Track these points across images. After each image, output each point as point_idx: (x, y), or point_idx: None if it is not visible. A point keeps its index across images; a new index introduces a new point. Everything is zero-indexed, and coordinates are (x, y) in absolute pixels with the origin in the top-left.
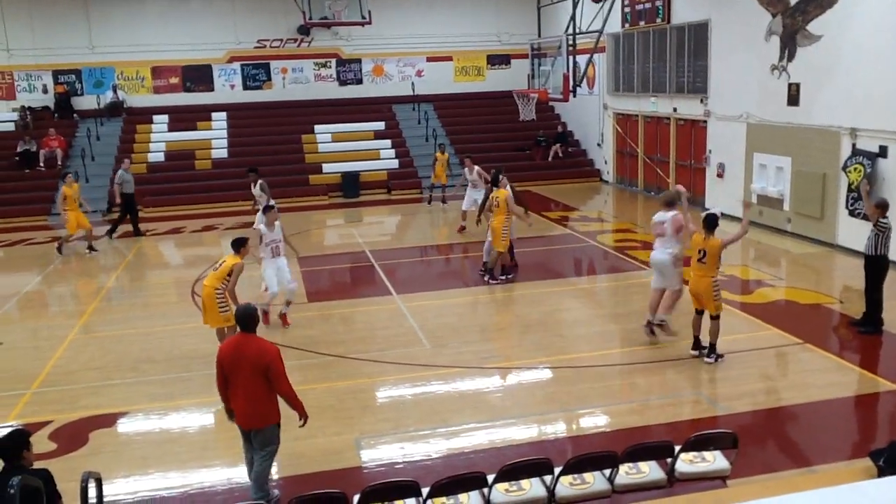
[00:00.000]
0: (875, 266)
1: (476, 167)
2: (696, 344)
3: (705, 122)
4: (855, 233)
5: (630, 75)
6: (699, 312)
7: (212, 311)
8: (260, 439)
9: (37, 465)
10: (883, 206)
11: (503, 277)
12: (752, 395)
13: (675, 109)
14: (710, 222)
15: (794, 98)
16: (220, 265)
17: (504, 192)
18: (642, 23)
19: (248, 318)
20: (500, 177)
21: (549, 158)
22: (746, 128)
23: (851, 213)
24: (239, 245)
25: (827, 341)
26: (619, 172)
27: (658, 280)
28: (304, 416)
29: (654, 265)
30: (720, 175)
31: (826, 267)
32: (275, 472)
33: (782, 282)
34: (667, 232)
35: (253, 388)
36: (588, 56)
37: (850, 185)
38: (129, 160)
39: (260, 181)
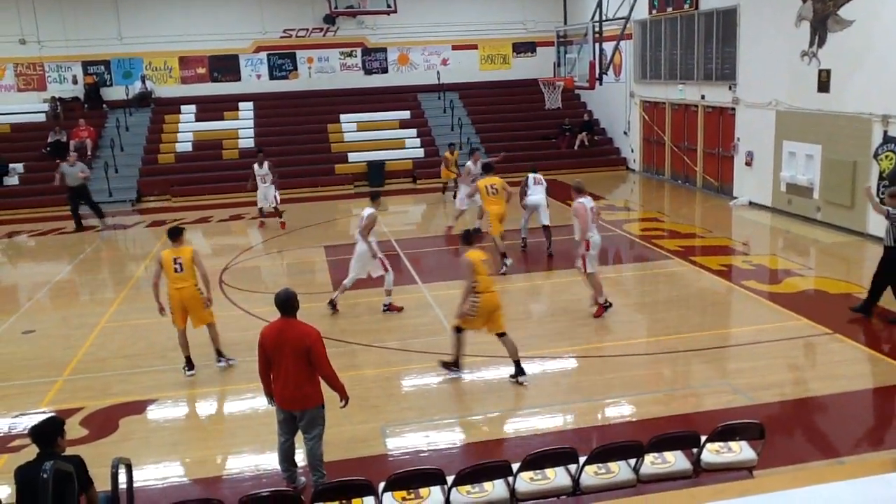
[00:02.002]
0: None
1: (481, 160)
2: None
3: (734, 109)
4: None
5: (657, 62)
6: None
7: (200, 311)
8: (306, 421)
9: (68, 450)
10: None
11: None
12: (780, 386)
13: (703, 97)
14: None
15: (824, 85)
16: (179, 262)
17: (501, 180)
18: (670, 9)
19: (288, 303)
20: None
21: (576, 147)
22: (776, 115)
23: (883, 202)
24: (180, 233)
25: (857, 332)
26: (646, 161)
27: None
28: (345, 397)
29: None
30: (749, 163)
31: (856, 256)
32: (300, 460)
33: (811, 271)
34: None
35: (296, 371)
36: (615, 43)
37: (881, 173)
38: (74, 154)
39: (266, 161)
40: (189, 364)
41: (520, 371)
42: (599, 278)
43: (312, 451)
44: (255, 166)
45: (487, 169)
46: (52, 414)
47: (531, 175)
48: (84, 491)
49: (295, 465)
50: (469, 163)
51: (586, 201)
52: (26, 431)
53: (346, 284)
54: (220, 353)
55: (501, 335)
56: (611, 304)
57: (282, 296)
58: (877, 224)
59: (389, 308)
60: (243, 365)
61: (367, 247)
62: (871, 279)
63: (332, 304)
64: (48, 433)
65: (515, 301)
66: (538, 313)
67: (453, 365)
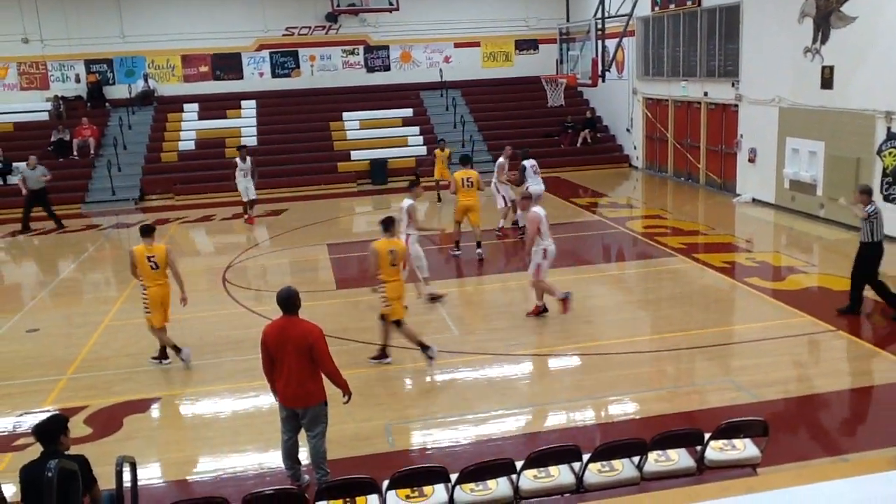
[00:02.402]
0: (871, 253)
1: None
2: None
3: (737, 106)
4: (890, 219)
5: (660, 59)
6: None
7: (167, 310)
8: (309, 418)
9: (72, 449)
10: (868, 192)
11: (458, 252)
12: (784, 383)
13: (705, 94)
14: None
15: (827, 81)
16: (154, 260)
17: (476, 173)
18: (672, 6)
19: (290, 301)
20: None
21: (578, 144)
22: (779, 112)
23: (886, 199)
24: (152, 231)
25: (860, 329)
26: (649, 158)
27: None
28: (348, 393)
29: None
30: (752, 160)
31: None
32: (304, 458)
33: (815, 268)
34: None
35: (298, 368)
36: (617, 40)
37: (884, 169)
38: (34, 157)
39: (249, 156)
40: (165, 355)
41: (426, 347)
42: (546, 286)
43: (316, 449)
44: (238, 160)
45: (465, 161)
46: (54, 411)
47: (528, 163)
48: (88, 490)
49: (299, 462)
50: (501, 159)
51: (540, 211)
52: (30, 430)
53: (425, 275)
54: (176, 349)
55: (397, 324)
56: (547, 311)
57: (283, 294)
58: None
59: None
60: (246, 363)
61: (413, 237)
62: (850, 278)
63: (433, 298)
64: (51, 431)
65: (517, 299)
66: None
67: (381, 356)
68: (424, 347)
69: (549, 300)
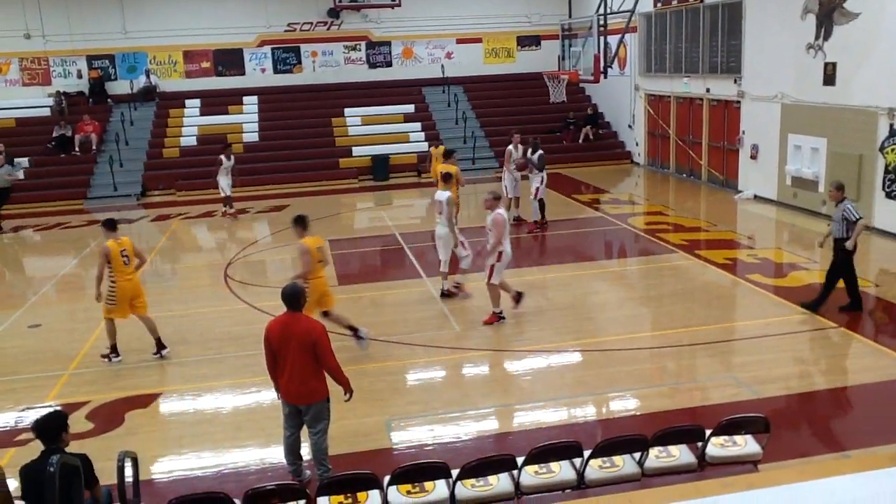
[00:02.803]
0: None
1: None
2: None
3: (739, 102)
4: (892, 215)
5: (662, 56)
6: None
7: (144, 297)
8: (311, 415)
9: (74, 444)
10: (841, 188)
11: None
12: (786, 380)
13: (707, 90)
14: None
15: (830, 78)
16: (126, 254)
17: (456, 167)
18: (675, 2)
19: (294, 298)
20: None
21: (581, 140)
22: (781, 108)
23: (889, 196)
24: (117, 224)
25: (862, 325)
26: (651, 154)
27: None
28: (349, 390)
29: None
30: (754, 157)
31: (862, 250)
32: (306, 454)
33: (817, 265)
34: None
35: (302, 365)
36: (619, 36)
37: (887, 166)
38: (1, 156)
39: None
40: (116, 352)
41: (355, 329)
42: (500, 291)
43: (318, 445)
44: (223, 157)
45: (448, 155)
46: (55, 408)
47: (537, 157)
48: (90, 488)
49: (300, 458)
50: (510, 146)
51: (503, 212)
52: (30, 427)
53: (444, 270)
54: (160, 343)
55: (325, 314)
56: (504, 318)
57: (288, 290)
58: (883, 217)
59: (457, 288)
60: (248, 358)
61: (448, 230)
62: (826, 275)
63: (448, 293)
64: (52, 429)
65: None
66: (543, 307)
67: (355, 335)
68: (354, 329)
69: (505, 298)
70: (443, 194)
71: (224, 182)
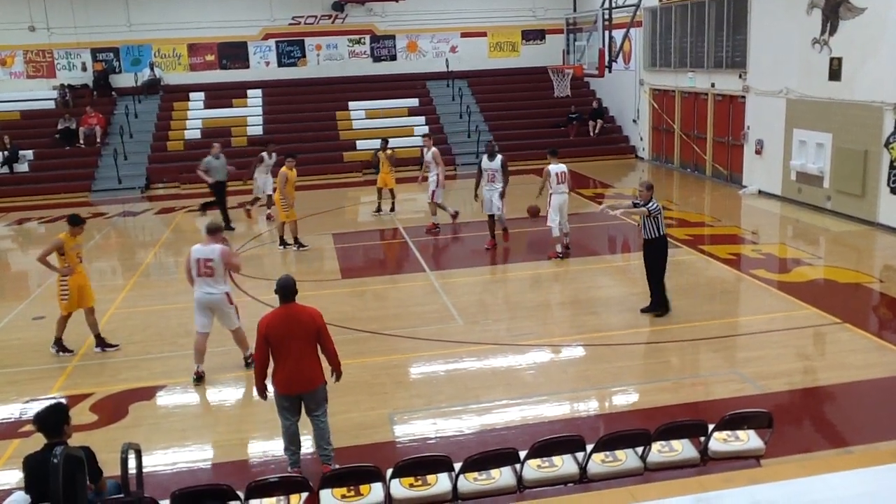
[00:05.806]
0: (662, 245)
1: (434, 148)
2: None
3: (744, 97)
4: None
5: (667, 50)
6: None
7: (91, 291)
8: (314, 400)
9: (79, 436)
10: (650, 188)
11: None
12: (789, 375)
13: (712, 85)
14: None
15: (835, 73)
16: (80, 254)
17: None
18: None
19: (290, 288)
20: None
21: (592, 133)
22: (786, 103)
23: (893, 191)
24: (80, 221)
25: (866, 321)
26: (655, 149)
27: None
28: (339, 373)
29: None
30: (759, 152)
31: (866, 245)
32: (308, 447)
33: (821, 260)
34: (216, 270)
35: (307, 353)
36: (624, 31)
37: (892, 161)
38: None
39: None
40: (63, 347)
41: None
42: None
43: (322, 429)
44: (265, 155)
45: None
46: (57, 400)
47: (554, 168)
48: (94, 481)
49: (300, 447)
50: (423, 150)
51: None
52: (32, 419)
53: (561, 231)
54: (101, 340)
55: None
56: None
57: (284, 282)
58: (888, 213)
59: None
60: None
61: (566, 198)
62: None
63: (562, 254)
64: (54, 422)
65: (524, 289)
66: (546, 302)
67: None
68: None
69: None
70: (560, 166)
71: (262, 180)
